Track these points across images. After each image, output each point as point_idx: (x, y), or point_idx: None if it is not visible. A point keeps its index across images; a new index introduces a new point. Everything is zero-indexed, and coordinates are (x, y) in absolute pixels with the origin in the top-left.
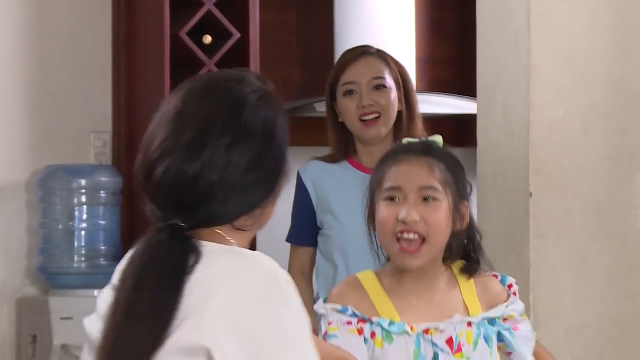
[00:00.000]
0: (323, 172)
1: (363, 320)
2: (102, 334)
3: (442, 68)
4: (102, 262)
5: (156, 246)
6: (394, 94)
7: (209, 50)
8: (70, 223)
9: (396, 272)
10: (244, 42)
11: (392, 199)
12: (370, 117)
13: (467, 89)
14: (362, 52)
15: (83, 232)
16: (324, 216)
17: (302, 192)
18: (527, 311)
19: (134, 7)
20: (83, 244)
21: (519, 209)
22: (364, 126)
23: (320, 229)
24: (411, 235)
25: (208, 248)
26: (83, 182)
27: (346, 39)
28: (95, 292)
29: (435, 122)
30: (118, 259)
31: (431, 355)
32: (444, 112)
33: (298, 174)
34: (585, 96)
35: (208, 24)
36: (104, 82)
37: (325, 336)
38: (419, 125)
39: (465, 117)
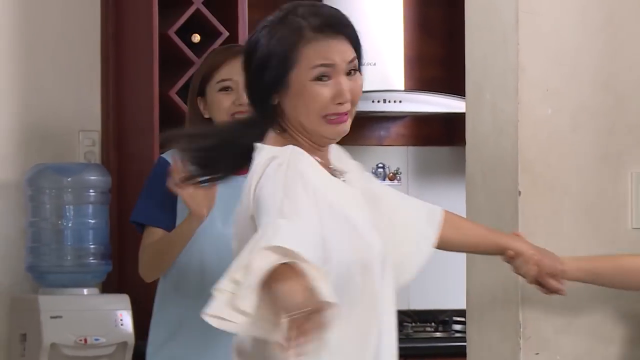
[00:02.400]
0: None
1: None
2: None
3: (430, 66)
4: (91, 261)
5: None
6: None
7: (198, 49)
8: (60, 222)
9: None
10: (232, 41)
11: None
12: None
13: (456, 87)
14: (237, 51)
15: (72, 231)
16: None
17: (166, 174)
18: (516, 309)
19: (122, 6)
20: (72, 243)
21: (508, 208)
22: None
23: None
24: None
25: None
26: (72, 180)
27: None
28: (85, 291)
29: (424, 121)
30: (107, 257)
31: None
32: (432, 110)
33: (162, 158)
34: (573, 95)
35: (196, 23)
36: (93, 81)
37: None
38: None
39: (454, 115)
